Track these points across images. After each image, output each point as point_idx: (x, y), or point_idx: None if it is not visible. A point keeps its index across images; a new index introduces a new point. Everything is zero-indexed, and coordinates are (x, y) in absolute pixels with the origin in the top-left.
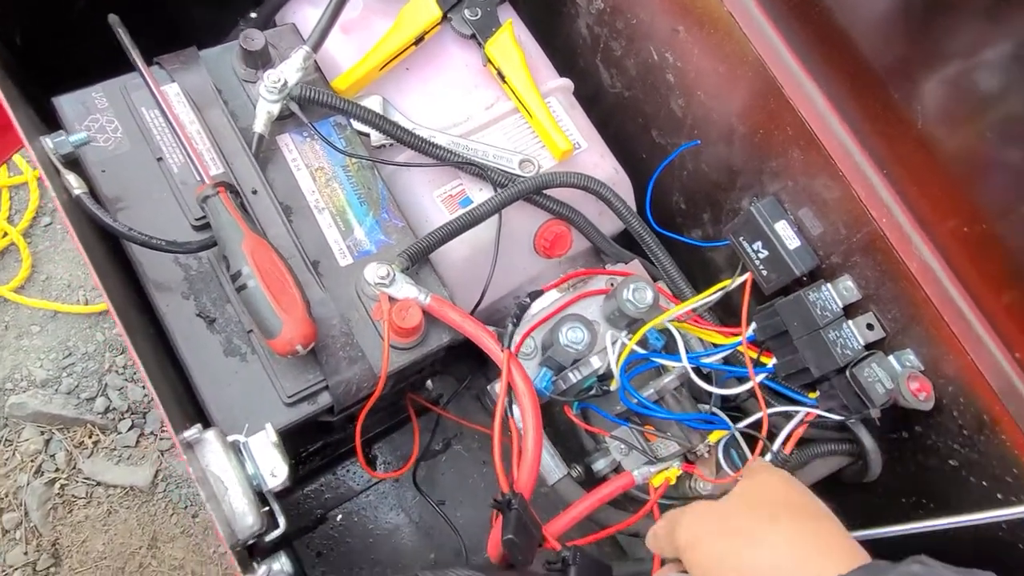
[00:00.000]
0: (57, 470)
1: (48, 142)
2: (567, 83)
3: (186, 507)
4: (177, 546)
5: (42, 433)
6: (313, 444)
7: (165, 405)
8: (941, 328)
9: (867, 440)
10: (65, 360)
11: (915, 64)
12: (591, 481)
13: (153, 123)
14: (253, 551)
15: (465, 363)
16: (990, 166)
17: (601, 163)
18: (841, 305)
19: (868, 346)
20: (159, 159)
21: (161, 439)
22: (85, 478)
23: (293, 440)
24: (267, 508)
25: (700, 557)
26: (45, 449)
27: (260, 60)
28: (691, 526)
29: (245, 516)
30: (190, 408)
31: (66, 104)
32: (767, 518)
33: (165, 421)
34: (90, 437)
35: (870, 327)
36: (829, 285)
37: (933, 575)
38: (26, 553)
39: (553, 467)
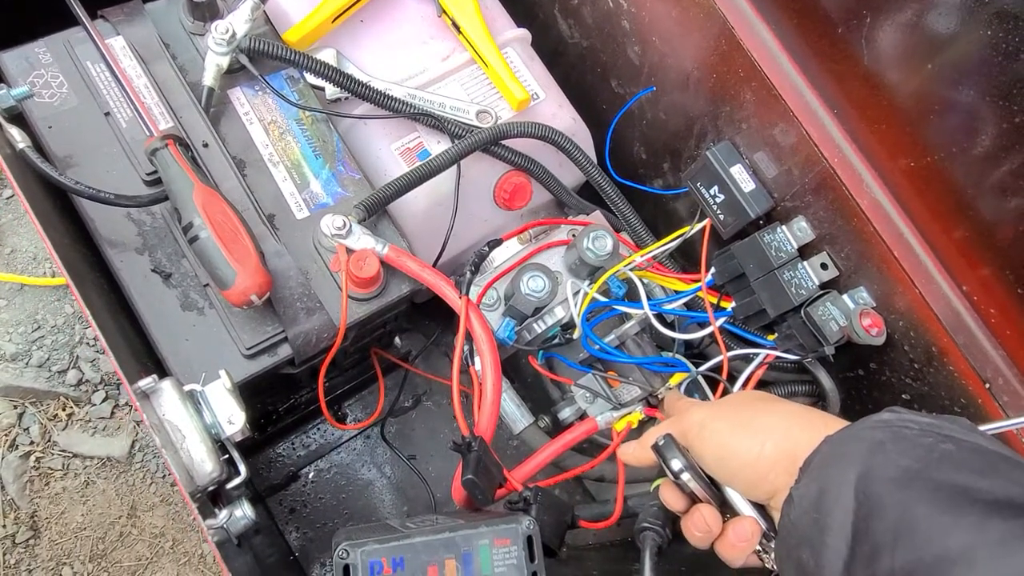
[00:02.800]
0: (32, 443)
1: None
2: (524, 33)
3: (164, 476)
4: (157, 514)
5: (15, 407)
6: (280, 401)
7: (117, 356)
8: (891, 264)
9: (825, 379)
10: (34, 333)
11: (862, 1)
12: (558, 430)
13: (99, 77)
14: (218, 500)
15: (433, 319)
16: (936, 102)
17: (560, 113)
18: (796, 246)
19: (822, 285)
20: (107, 114)
21: (136, 409)
22: (61, 450)
23: (259, 396)
24: (227, 456)
25: (710, 432)
26: (18, 423)
27: (208, 12)
28: (702, 411)
29: (204, 463)
30: (150, 363)
31: (8, 60)
32: (761, 408)
33: (117, 371)
34: (64, 410)
35: (824, 266)
36: (784, 227)
37: (901, 420)
38: (4, 526)
39: (519, 417)
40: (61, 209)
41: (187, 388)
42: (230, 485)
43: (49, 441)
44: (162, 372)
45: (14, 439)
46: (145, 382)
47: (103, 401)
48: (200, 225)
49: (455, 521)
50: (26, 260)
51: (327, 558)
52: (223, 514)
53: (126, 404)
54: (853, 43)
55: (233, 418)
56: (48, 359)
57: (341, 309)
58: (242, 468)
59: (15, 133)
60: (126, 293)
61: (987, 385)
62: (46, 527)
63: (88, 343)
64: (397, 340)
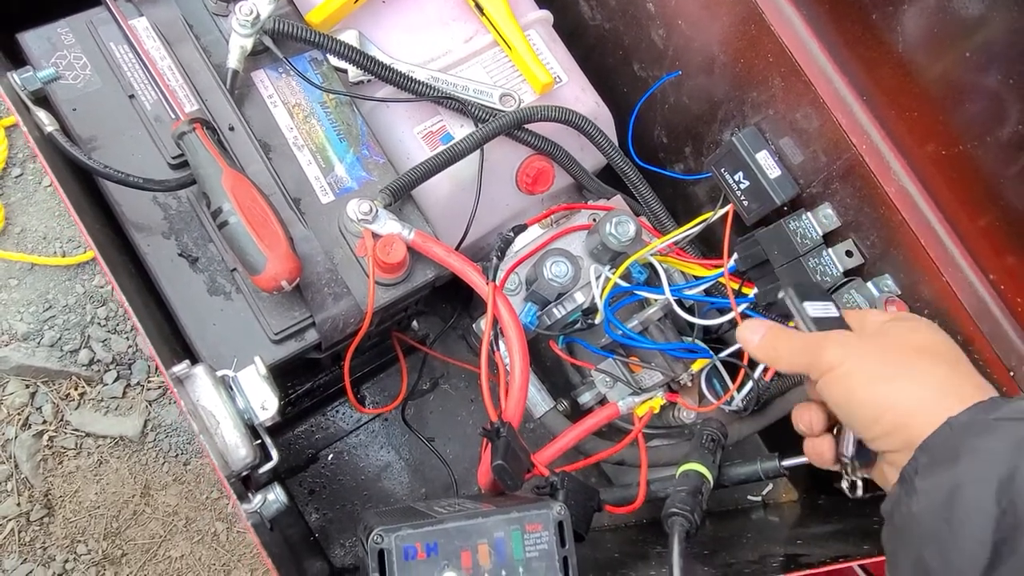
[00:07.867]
0: (44, 422)
1: (15, 78)
2: (546, 15)
3: (177, 455)
4: (170, 493)
5: (27, 386)
6: (301, 384)
7: (152, 340)
8: (918, 252)
9: None
10: (45, 313)
11: None
12: (577, 415)
13: (123, 59)
14: (247, 485)
15: (450, 303)
16: (968, 89)
17: (583, 97)
18: (821, 233)
19: (847, 273)
20: (131, 96)
21: (148, 389)
22: (74, 429)
23: (281, 379)
24: (259, 441)
25: (837, 377)
26: (31, 402)
27: None
28: (839, 351)
29: (238, 448)
30: (178, 347)
31: (31, 41)
32: (904, 361)
33: (153, 355)
34: (76, 389)
35: (849, 254)
36: (809, 213)
37: None
38: (19, 504)
39: (540, 401)
40: (87, 192)
41: (220, 373)
42: (261, 470)
43: (62, 420)
44: (189, 356)
45: (27, 418)
46: (179, 368)
47: (115, 381)
48: (230, 210)
49: (483, 506)
50: (36, 239)
51: (347, 539)
52: (257, 499)
53: (138, 384)
54: (887, 29)
55: (267, 404)
56: (60, 339)
57: (368, 294)
58: (274, 453)
59: (43, 116)
60: (153, 278)
61: (1011, 373)
62: (60, 505)
63: (99, 323)
64: (415, 323)
